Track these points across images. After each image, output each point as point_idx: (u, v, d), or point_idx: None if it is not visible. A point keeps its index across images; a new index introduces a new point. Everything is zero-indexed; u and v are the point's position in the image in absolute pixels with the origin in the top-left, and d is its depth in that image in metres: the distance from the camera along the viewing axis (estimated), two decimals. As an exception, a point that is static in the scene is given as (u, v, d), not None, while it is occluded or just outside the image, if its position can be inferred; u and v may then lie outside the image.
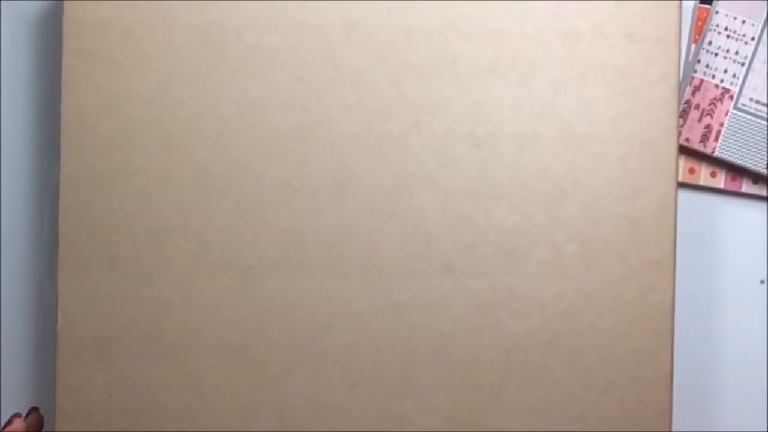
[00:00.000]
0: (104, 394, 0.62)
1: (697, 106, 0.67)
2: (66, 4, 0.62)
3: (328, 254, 0.62)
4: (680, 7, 0.62)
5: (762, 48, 0.66)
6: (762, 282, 0.68)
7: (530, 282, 0.62)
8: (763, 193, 0.68)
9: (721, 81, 0.66)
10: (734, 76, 0.66)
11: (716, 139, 0.66)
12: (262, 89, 0.62)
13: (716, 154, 0.66)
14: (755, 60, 0.66)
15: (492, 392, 0.62)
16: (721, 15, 0.66)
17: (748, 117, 0.66)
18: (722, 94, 0.66)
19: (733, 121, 0.66)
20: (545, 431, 0.62)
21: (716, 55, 0.66)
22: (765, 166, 0.66)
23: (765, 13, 0.66)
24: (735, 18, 0.66)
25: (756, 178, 0.67)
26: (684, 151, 0.67)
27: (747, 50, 0.66)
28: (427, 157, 0.62)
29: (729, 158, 0.66)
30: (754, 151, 0.66)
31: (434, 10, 0.62)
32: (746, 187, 0.68)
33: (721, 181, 0.68)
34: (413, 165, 0.62)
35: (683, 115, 0.66)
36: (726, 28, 0.66)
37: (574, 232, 0.62)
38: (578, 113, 0.62)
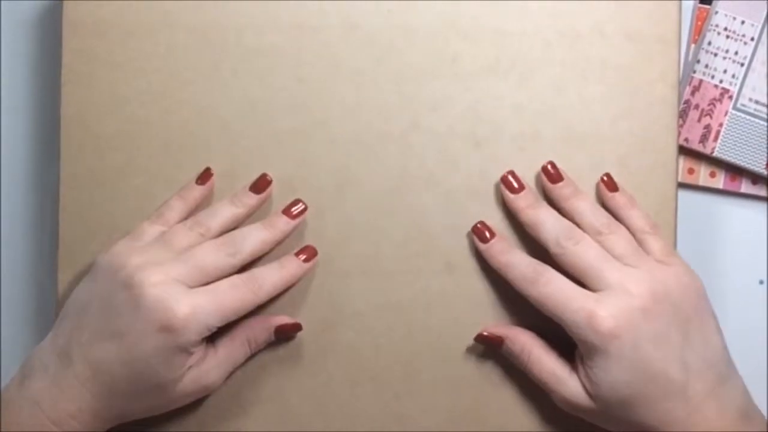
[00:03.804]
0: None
1: (697, 106, 0.67)
2: (65, 4, 0.62)
3: (329, 253, 0.62)
4: (680, 7, 0.62)
5: (761, 48, 0.66)
6: (761, 282, 0.68)
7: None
8: (763, 193, 0.68)
9: (721, 81, 0.66)
10: (734, 76, 0.66)
11: (715, 139, 0.66)
12: (262, 89, 0.62)
13: (715, 154, 0.66)
14: (755, 60, 0.66)
15: (493, 391, 0.62)
16: (721, 15, 0.66)
17: (748, 117, 0.66)
18: (722, 95, 0.67)
19: (733, 122, 0.66)
20: (547, 430, 0.62)
21: (716, 55, 0.66)
22: (764, 167, 0.66)
23: (764, 14, 0.66)
24: (734, 18, 0.66)
25: (755, 178, 0.67)
26: (683, 151, 0.67)
27: (746, 50, 0.66)
28: (428, 157, 0.62)
29: (728, 158, 0.66)
30: (754, 152, 0.66)
31: (434, 10, 0.62)
32: (745, 187, 0.68)
33: (720, 181, 0.68)
34: (414, 164, 0.62)
35: (682, 115, 0.66)
36: (725, 29, 0.66)
37: (574, 231, 0.62)
38: (578, 112, 0.62)
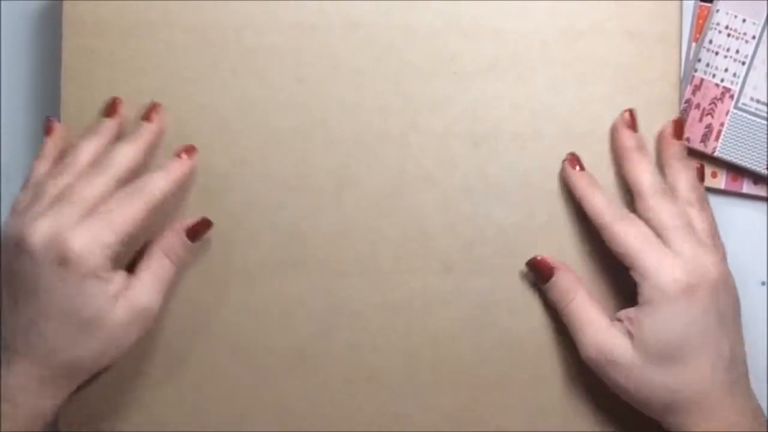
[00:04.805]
0: (104, 394, 0.62)
1: (698, 106, 0.67)
2: (65, 3, 0.62)
3: (328, 253, 0.62)
4: (681, 5, 0.62)
5: (763, 47, 0.66)
6: (762, 283, 0.68)
7: (530, 281, 0.61)
8: (764, 193, 0.67)
9: (722, 80, 0.66)
10: (735, 75, 0.66)
11: (717, 138, 0.66)
12: (261, 89, 0.62)
13: (717, 154, 0.66)
14: (756, 59, 0.66)
15: (492, 390, 0.62)
16: (722, 13, 0.66)
17: (749, 116, 0.66)
18: (723, 94, 0.66)
19: (734, 121, 0.66)
20: (546, 430, 0.62)
21: (717, 54, 0.66)
22: (765, 167, 0.66)
23: (766, 12, 0.66)
24: (735, 16, 0.66)
25: (757, 178, 0.67)
26: (684, 150, 0.67)
27: (748, 49, 0.66)
28: (427, 156, 0.62)
29: (729, 158, 0.66)
30: (755, 152, 0.66)
31: (433, 10, 0.62)
32: (747, 187, 0.68)
33: (721, 181, 0.68)
34: (413, 164, 0.62)
35: (683, 114, 0.66)
36: (726, 27, 0.66)
37: (574, 231, 0.61)
38: (578, 111, 0.62)
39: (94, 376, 0.60)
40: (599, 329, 0.57)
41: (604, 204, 0.59)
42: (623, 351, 0.56)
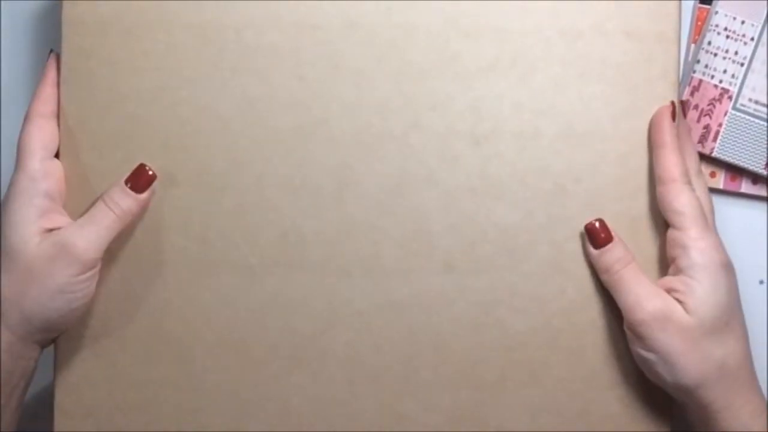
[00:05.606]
0: (103, 393, 0.62)
1: (696, 107, 0.67)
2: (65, 3, 0.62)
3: (329, 252, 0.62)
4: (680, 5, 0.62)
5: (761, 48, 0.66)
6: (761, 282, 0.68)
7: (531, 280, 0.62)
8: (763, 193, 0.68)
9: (720, 81, 0.67)
10: (733, 76, 0.66)
11: (715, 139, 0.66)
12: (262, 88, 0.62)
13: (715, 154, 0.67)
14: (755, 60, 0.66)
15: (493, 390, 0.62)
16: (721, 15, 0.66)
17: (747, 117, 0.66)
18: (721, 95, 0.67)
19: (732, 122, 0.66)
20: (546, 429, 0.61)
21: (715, 55, 0.67)
22: (764, 167, 0.66)
23: (765, 14, 0.66)
24: (734, 18, 0.66)
25: (756, 178, 0.68)
26: (683, 151, 0.67)
27: (746, 50, 0.66)
28: (428, 155, 0.62)
29: (727, 159, 0.66)
30: (753, 152, 0.66)
31: (434, 9, 0.62)
32: (746, 187, 0.68)
33: (720, 181, 0.68)
34: (414, 163, 0.62)
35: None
36: (725, 29, 0.66)
37: (574, 229, 0.62)
38: (578, 111, 0.62)
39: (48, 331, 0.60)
40: (657, 292, 0.58)
41: (678, 162, 0.59)
42: (681, 314, 0.57)
